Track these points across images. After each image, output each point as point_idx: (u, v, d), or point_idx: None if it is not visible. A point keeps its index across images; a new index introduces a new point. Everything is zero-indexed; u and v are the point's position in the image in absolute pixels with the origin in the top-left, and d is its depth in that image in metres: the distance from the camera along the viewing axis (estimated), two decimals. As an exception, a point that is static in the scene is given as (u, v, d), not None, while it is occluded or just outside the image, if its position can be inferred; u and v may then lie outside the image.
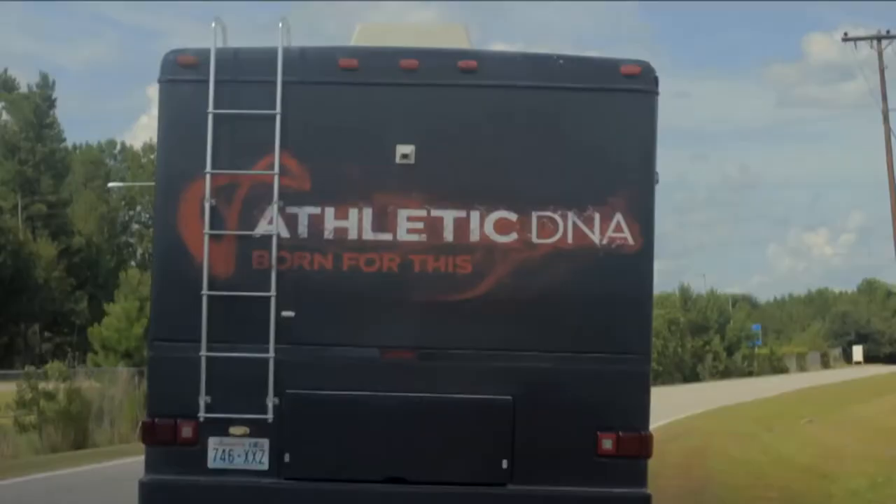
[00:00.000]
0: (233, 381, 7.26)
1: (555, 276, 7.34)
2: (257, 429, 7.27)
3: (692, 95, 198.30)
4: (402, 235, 7.34)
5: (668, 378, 78.77)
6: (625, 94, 7.39)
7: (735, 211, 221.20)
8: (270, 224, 7.31)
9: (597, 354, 7.33)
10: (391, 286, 7.34)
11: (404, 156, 7.35)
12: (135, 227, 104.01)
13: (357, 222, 7.33)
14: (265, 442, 7.28)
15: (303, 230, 7.36)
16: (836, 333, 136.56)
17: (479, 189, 7.38)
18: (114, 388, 33.96)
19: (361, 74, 7.39)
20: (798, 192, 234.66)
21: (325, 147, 7.41)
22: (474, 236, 7.35)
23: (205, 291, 7.21)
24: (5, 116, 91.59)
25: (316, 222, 7.37)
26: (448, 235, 7.35)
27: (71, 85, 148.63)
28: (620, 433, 7.24)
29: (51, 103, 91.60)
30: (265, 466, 7.28)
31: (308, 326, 7.33)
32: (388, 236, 7.35)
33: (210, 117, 7.27)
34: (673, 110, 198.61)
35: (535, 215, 7.35)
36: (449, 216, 7.33)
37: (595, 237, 7.33)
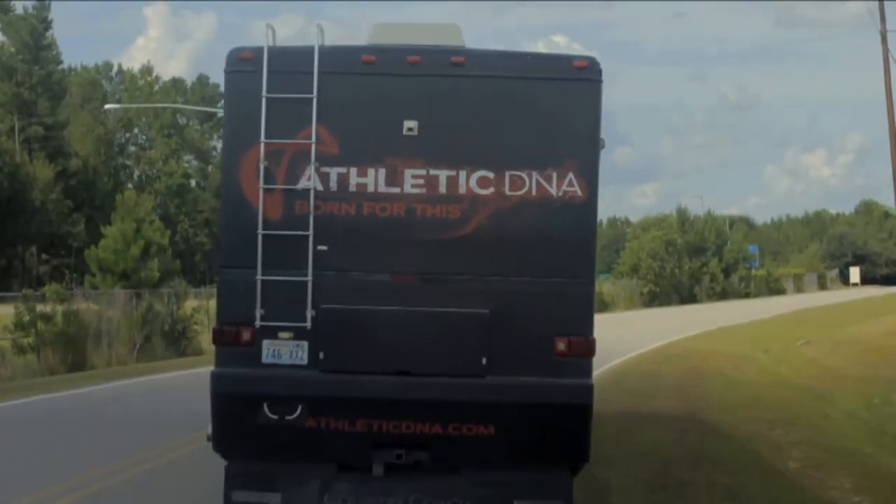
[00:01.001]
0: (281, 298, 9.30)
1: (522, 220, 9.33)
2: (299, 333, 9.31)
3: (690, 15, 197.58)
4: (408, 189, 9.34)
5: (665, 299, 79.25)
6: (576, 82, 9.42)
7: (733, 132, 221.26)
8: (308, 180, 9.33)
9: (552, 279, 9.35)
10: (399, 227, 9.35)
11: (409, 129, 9.34)
12: (131, 148, 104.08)
13: (374, 179, 9.35)
14: (305, 343, 9.31)
15: (333, 185, 9.37)
16: (833, 255, 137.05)
17: (466, 154, 9.37)
18: (111, 309, 34.07)
19: (378, 67, 9.42)
20: (796, 112, 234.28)
21: (350, 122, 9.42)
22: (462, 190, 9.33)
23: (260, 231, 9.27)
24: (1, 38, 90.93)
25: (343, 179, 9.38)
26: (442, 189, 9.34)
27: (67, 6, 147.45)
28: (571, 338, 9.26)
29: (47, 25, 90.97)
30: (305, 362, 9.30)
31: (337, 257, 9.34)
32: (397, 190, 9.35)
33: (263, 100, 9.30)
34: (670, 31, 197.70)
35: (507, 174, 9.33)
36: (443, 175, 9.35)
37: (553, 191, 9.32)
